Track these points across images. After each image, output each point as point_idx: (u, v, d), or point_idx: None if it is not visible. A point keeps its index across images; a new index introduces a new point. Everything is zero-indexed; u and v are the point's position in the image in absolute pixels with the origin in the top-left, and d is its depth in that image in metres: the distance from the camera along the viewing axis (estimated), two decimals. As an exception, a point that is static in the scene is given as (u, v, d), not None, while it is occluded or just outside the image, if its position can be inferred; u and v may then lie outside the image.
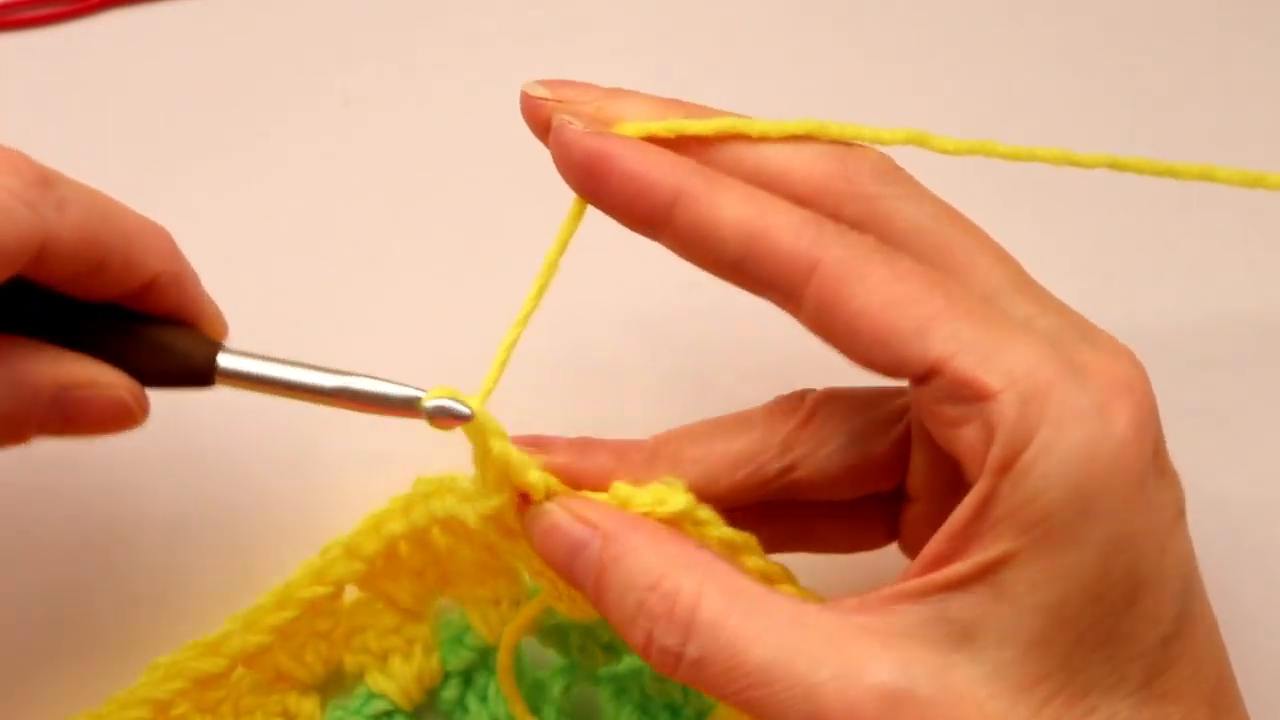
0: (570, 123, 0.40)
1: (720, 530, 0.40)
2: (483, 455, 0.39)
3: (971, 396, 0.36)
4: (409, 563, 0.43)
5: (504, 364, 0.40)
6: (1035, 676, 0.35)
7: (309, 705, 0.45)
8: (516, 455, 0.39)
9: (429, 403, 0.38)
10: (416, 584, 0.44)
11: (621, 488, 0.40)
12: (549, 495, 0.39)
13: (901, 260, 0.38)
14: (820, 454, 0.42)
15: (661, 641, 0.36)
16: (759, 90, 0.56)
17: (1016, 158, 0.41)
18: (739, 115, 0.40)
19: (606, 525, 0.38)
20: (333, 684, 0.46)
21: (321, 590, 0.43)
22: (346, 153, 0.55)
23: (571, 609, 0.42)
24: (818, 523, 0.44)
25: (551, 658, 0.47)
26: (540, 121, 0.41)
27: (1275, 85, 0.58)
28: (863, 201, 0.39)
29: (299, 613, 0.43)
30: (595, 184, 0.39)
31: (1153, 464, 0.36)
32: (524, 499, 0.39)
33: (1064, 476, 0.35)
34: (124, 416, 0.40)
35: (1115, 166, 0.42)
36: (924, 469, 0.42)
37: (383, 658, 0.45)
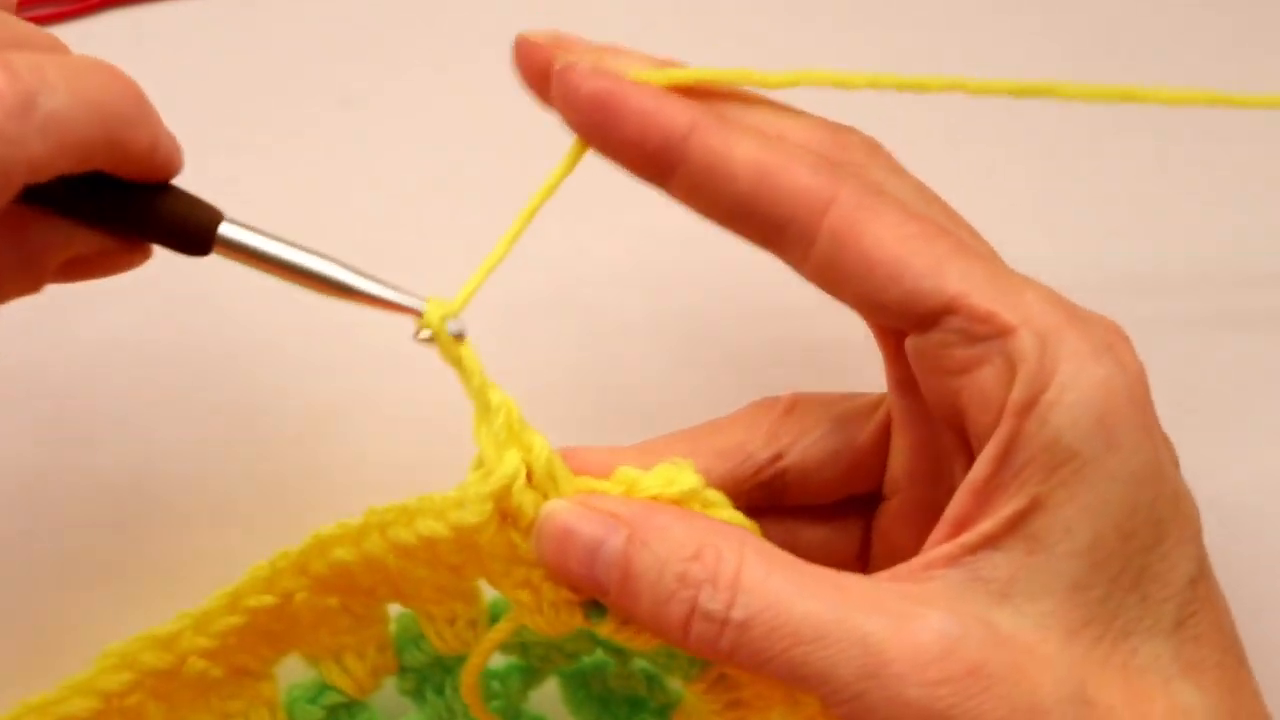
0: (576, 63, 0.39)
1: (728, 512, 0.39)
2: (482, 407, 0.38)
3: (989, 333, 0.36)
4: (360, 580, 0.42)
5: (481, 281, 0.40)
6: (1081, 621, 0.35)
7: (267, 689, 0.43)
8: (511, 405, 0.38)
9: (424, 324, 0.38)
10: (369, 597, 0.42)
11: (627, 471, 0.39)
12: (550, 479, 0.38)
13: (909, 205, 0.38)
14: (805, 441, 0.42)
15: (707, 607, 0.35)
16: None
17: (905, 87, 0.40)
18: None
19: (628, 512, 0.37)
20: (290, 667, 0.44)
21: (269, 600, 0.41)
22: (346, 153, 0.55)
23: (551, 624, 0.40)
24: (800, 531, 0.44)
25: (512, 650, 0.45)
26: (536, 68, 0.40)
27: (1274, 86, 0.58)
28: (854, 168, 0.39)
29: (247, 620, 0.41)
30: (607, 120, 0.39)
31: (1153, 409, 0.37)
32: (504, 517, 0.38)
33: (1090, 409, 0.35)
34: (126, 267, 0.39)
35: (1018, 93, 0.41)
36: (906, 457, 0.42)
37: (337, 654, 0.43)
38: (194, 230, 0.38)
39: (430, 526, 0.39)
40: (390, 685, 0.45)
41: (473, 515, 0.38)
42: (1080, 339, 0.35)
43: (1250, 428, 0.52)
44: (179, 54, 0.57)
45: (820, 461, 0.43)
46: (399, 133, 0.56)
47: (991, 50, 0.59)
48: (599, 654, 0.45)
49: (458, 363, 0.39)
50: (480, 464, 0.39)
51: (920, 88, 0.41)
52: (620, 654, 0.45)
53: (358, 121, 0.56)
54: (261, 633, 0.42)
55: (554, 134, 0.54)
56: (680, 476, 0.39)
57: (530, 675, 0.46)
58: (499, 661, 0.46)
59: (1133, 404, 0.35)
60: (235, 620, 0.41)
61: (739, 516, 0.39)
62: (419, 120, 0.56)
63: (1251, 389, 0.53)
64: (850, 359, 0.42)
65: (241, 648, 0.42)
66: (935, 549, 0.36)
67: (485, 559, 0.39)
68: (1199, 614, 0.36)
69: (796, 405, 0.43)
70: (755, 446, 0.42)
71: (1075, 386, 0.35)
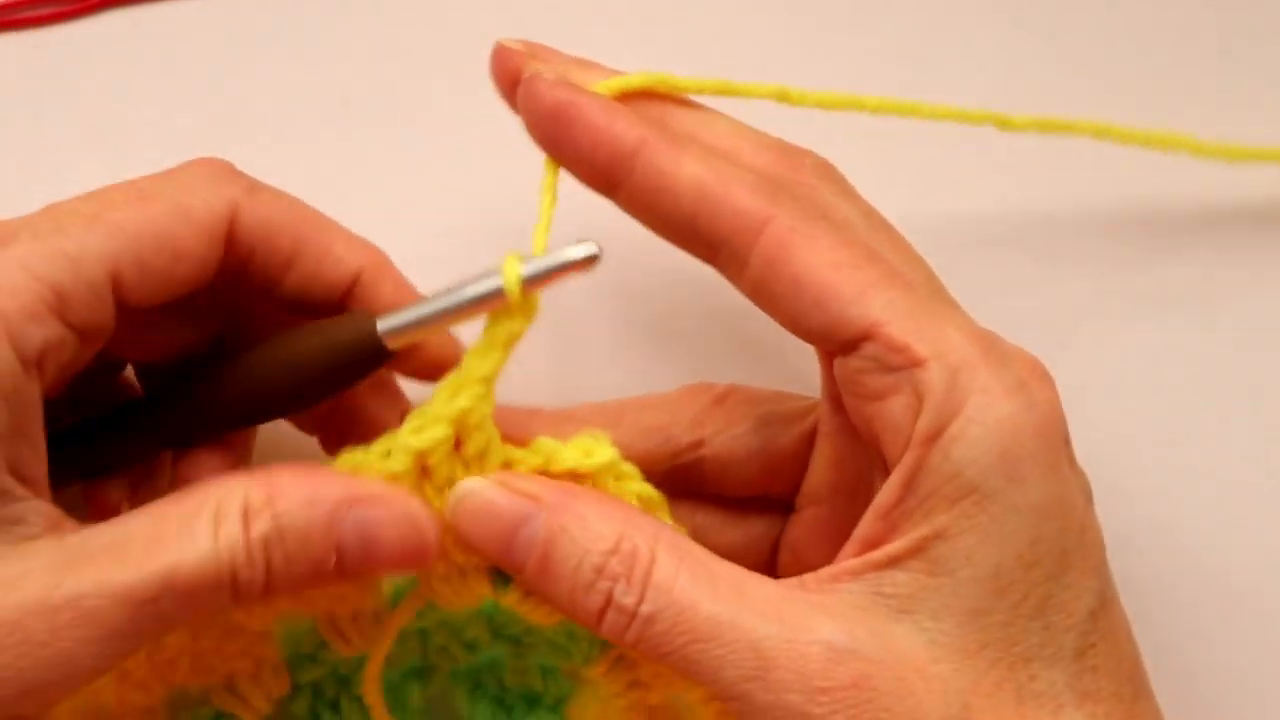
0: (541, 73, 0.41)
1: (639, 485, 0.40)
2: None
3: (902, 363, 0.37)
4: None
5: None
6: (977, 644, 0.36)
7: None
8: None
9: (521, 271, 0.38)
10: (264, 608, 0.41)
11: (546, 442, 0.40)
12: (478, 453, 0.39)
13: (845, 230, 0.39)
14: (728, 434, 0.44)
15: (621, 600, 0.36)
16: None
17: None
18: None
19: (548, 496, 0.38)
20: (178, 703, 0.43)
21: None
22: (346, 153, 0.55)
23: (458, 593, 0.40)
24: (711, 521, 0.45)
25: (402, 658, 0.45)
26: (509, 74, 0.42)
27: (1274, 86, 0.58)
28: (803, 188, 0.40)
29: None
30: (560, 132, 0.40)
31: (1066, 445, 0.38)
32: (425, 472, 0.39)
33: (992, 444, 0.36)
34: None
35: (1002, 125, 0.43)
36: (825, 470, 0.43)
37: (229, 680, 0.42)
38: (363, 353, 0.39)
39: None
40: (284, 712, 0.44)
41: (397, 464, 0.38)
42: (992, 375, 0.36)
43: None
44: (179, 54, 0.57)
45: (739, 456, 0.44)
46: (399, 133, 0.56)
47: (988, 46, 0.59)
48: (496, 647, 0.45)
49: (521, 312, 0.38)
50: (420, 415, 0.39)
51: (880, 109, 0.43)
52: (517, 644, 0.44)
53: (358, 121, 0.56)
54: (148, 667, 0.40)
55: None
56: (597, 449, 0.40)
57: (424, 677, 0.45)
58: (396, 668, 0.45)
59: (1039, 439, 0.36)
60: None
61: (649, 489, 0.40)
62: (419, 120, 0.56)
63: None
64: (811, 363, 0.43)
65: (123, 684, 0.40)
66: (843, 562, 0.37)
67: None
68: (1098, 645, 0.37)
69: (728, 397, 0.44)
70: (678, 430, 0.44)
71: (980, 421, 0.36)
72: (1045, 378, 0.38)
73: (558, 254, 0.38)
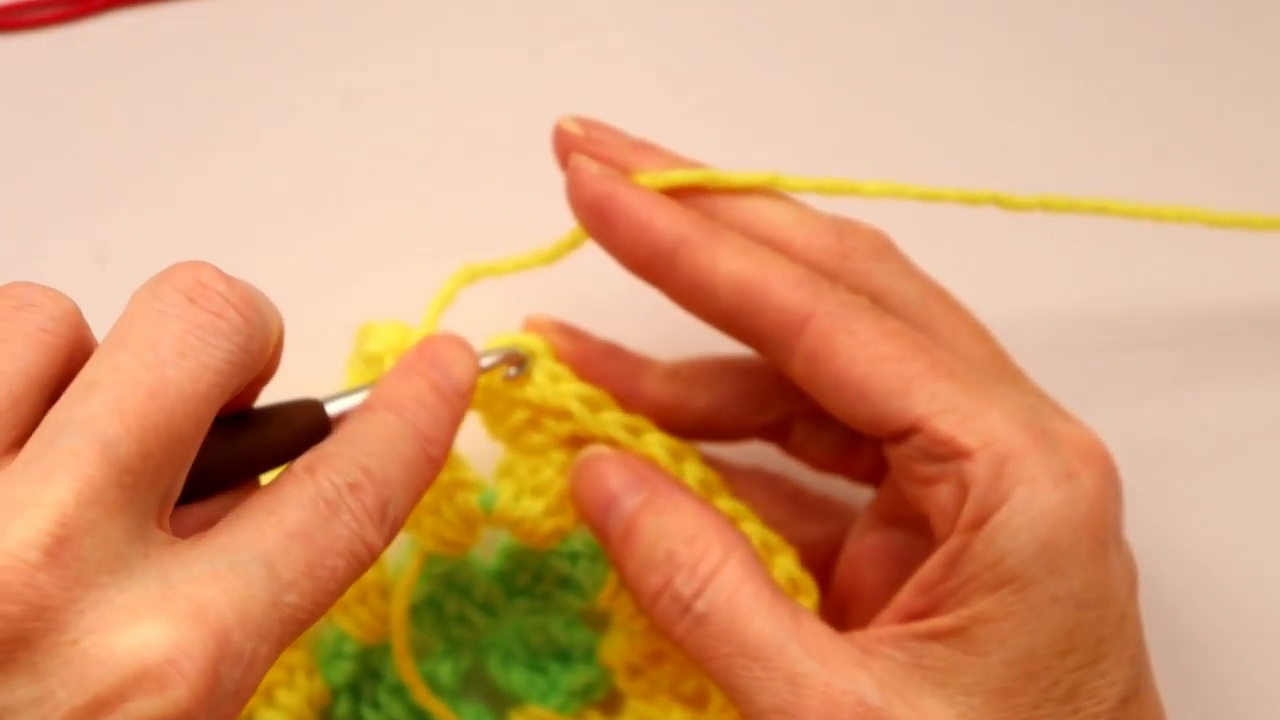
0: (585, 165, 0.42)
1: (697, 467, 0.43)
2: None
3: (947, 455, 0.38)
4: None
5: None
6: None
7: None
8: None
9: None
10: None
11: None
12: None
13: (890, 320, 0.40)
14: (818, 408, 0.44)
15: (679, 589, 0.38)
16: (760, 89, 0.56)
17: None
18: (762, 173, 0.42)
19: (658, 481, 0.40)
20: None
21: None
22: (346, 153, 0.56)
23: (450, 524, 0.42)
24: (779, 515, 0.46)
25: (427, 644, 0.46)
26: (565, 155, 0.43)
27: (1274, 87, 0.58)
28: (856, 276, 0.41)
29: None
30: (602, 226, 0.42)
31: (1114, 533, 0.38)
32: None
33: (1034, 536, 0.37)
34: None
35: (1048, 208, 0.44)
36: (896, 499, 0.43)
37: (267, 694, 0.43)
38: (316, 434, 0.39)
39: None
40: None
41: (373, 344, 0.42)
42: (1039, 464, 0.37)
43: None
44: (180, 55, 0.57)
45: (825, 436, 0.45)
46: (399, 133, 0.56)
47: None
48: (512, 605, 0.45)
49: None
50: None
51: (929, 198, 0.43)
52: (530, 595, 0.45)
53: (358, 121, 0.56)
54: None
55: (551, 134, 0.54)
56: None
57: (457, 655, 0.46)
58: (427, 658, 0.46)
59: (1084, 530, 0.37)
60: None
61: (708, 473, 0.42)
62: (419, 120, 0.56)
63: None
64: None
65: None
66: (886, 627, 0.38)
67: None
68: None
69: None
70: (772, 398, 0.45)
71: (1025, 512, 0.37)
72: (1098, 460, 0.38)
73: (488, 353, 0.42)
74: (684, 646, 0.38)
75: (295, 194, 0.54)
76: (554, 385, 0.42)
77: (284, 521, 0.33)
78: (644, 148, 0.43)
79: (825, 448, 0.45)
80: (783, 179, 0.42)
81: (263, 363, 0.35)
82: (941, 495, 0.38)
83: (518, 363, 0.43)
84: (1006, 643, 0.37)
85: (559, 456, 0.43)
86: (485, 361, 0.42)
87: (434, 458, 0.37)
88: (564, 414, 0.43)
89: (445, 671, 0.46)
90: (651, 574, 0.39)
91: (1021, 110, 0.56)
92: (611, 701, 0.47)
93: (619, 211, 0.41)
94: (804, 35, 0.57)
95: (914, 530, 0.43)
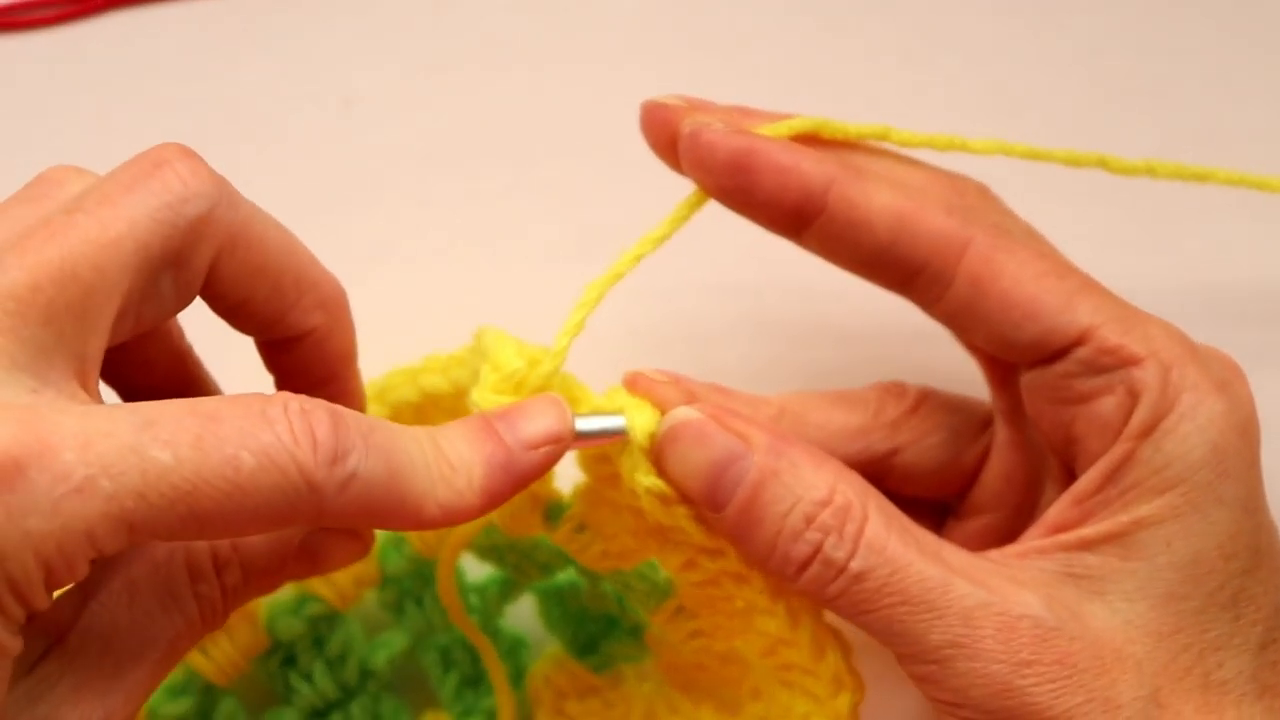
0: (709, 124, 0.40)
1: None
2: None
3: (1115, 364, 0.38)
4: None
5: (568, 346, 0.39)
6: (1171, 628, 0.37)
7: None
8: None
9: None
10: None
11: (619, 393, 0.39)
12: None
13: (1039, 241, 0.40)
14: (923, 444, 0.44)
15: (832, 554, 0.36)
16: (764, 86, 0.56)
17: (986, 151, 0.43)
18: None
19: (760, 438, 0.37)
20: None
21: None
22: (346, 154, 0.56)
23: (513, 520, 0.40)
24: None
25: (487, 570, 0.46)
26: (664, 132, 0.41)
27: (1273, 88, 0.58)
28: (976, 213, 0.40)
29: None
30: (742, 180, 0.39)
31: (1259, 447, 0.39)
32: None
33: (1205, 439, 0.37)
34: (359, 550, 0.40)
35: (1105, 166, 0.43)
36: (995, 482, 0.43)
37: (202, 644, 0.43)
38: None
39: (433, 382, 0.42)
40: (370, 600, 0.46)
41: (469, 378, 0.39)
42: (1200, 373, 0.37)
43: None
44: (180, 55, 0.57)
45: (928, 468, 0.44)
46: (399, 133, 0.56)
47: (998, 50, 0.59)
48: (571, 572, 0.45)
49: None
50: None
51: (1037, 156, 0.43)
52: (590, 575, 0.45)
53: (358, 121, 0.56)
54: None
55: (552, 134, 0.54)
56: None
57: (507, 588, 0.46)
58: (478, 575, 0.46)
59: (1243, 438, 0.37)
60: None
61: None
62: (419, 120, 0.56)
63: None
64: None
65: None
66: (1030, 541, 0.38)
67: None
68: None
69: (922, 404, 0.44)
70: (877, 438, 0.44)
71: (1194, 417, 0.37)
72: (1243, 377, 0.39)
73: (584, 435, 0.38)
74: (835, 606, 0.37)
75: (295, 194, 0.54)
76: (635, 477, 0.39)
77: (199, 402, 0.31)
78: (745, 110, 0.42)
79: (931, 475, 0.44)
80: (895, 131, 0.42)
81: (209, 232, 0.35)
82: (1105, 407, 0.38)
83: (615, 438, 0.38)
84: (1173, 545, 0.37)
85: (631, 521, 0.40)
86: (576, 444, 0.37)
87: (439, 497, 0.34)
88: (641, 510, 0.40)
89: (493, 594, 0.46)
90: (795, 543, 0.36)
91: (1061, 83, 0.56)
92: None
93: (762, 160, 0.39)
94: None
95: (1019, 505, 0.43)
